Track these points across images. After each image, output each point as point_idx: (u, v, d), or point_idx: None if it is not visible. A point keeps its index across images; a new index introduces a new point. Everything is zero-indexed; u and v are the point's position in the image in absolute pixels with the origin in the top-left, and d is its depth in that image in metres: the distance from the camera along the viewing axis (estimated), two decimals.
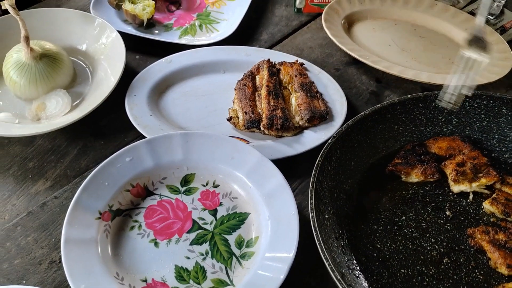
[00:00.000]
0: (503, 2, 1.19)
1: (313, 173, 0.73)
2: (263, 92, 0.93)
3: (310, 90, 0.94)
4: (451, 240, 0.74)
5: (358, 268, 0.70)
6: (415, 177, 0.81)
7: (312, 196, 0.70)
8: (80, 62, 1.04)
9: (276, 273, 0.67)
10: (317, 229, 0.66)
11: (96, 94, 0.94)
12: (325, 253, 0.63)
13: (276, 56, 1.03)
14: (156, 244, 0.75)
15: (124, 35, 1.03)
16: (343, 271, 0.66)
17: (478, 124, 0.88)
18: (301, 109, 0.90)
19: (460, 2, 1.21)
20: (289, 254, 0.68)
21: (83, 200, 0.74)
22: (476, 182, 0.80)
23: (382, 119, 0.85)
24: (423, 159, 0.82)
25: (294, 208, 0.73)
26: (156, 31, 1.13)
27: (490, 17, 1.16)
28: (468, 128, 0.88)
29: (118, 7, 1.14)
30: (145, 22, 1.11)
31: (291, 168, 0.84)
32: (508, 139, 0.86)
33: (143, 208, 0.79)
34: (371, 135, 0.85)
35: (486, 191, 0.79)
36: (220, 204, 0.80)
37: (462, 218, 0.77)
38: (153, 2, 1.13)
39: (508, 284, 0.66)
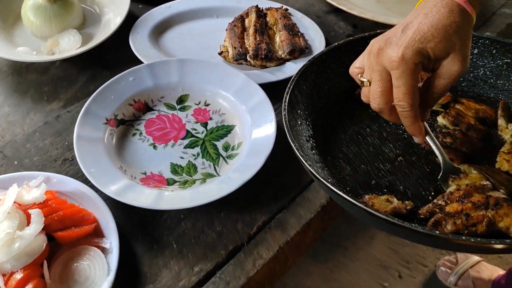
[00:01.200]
0: None
1: (288, 85, 0.85)
2: (251, 30, 1.05)
3: (292, 29, 1.06)
4: (407, 145, 0.86)
5: (323, 164, 0.82)
6: None
7: (285, 101, 0.81)
8: (90, 8, 1.17)
9: (257, 162, 0.79)
10: (287, 122, 0.77)
11: (104, 33, 1.07)
12: (295, 142, 0.75)
13: (264, 3, 1.15)
14: (154, 147, 0.87)
15: None
16: (311, 163, 0.79)
17: None
18: (283, 44, 1.02)
19: None
20: (267, 148, 0.81)
21: (92, 108, 0.87)
22: None
23: (354, 50, 0.96)
24: None
25: (272, 116, 0.86)
26: None
27: None
28: None
29: None
30: None
31: (274, 93, 0.96)
32: None
33: (143, 120, 0.91)
34: (345, 64, 0.96)
35: (442, 110, 0.91)
36: (210, 119, 0.92)
37: None
38: None
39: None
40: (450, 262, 1.81)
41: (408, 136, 0.87)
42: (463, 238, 0.61)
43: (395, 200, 0.74)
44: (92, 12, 1.16)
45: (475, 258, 1.78)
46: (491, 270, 1.74)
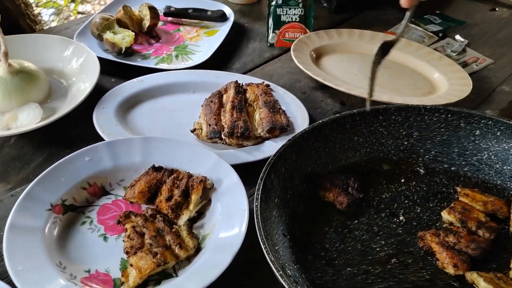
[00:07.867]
0: (466, 42, 1.26)
1: (263, 169, 0.74)
2: (228, 106, 0.96)
3: (273, 107, 0.97)
4: (401, 242, 0.73)
5: (301, 266, 0.68)
6: (326, 197, 0.80)
7: (259, 188, 0.70)
8: (56, 81, 1.09)
9: (223, 259, 0.66)
10: (259, 217, 0.65)
11: (66, 107, 0.97)
12: (266, 244, 0.62)
13: (245, 79, 1.07)
14: (105, 238, 0.74)
15: (102, 61, 1.08)
16: (286, 264, 0.65)
17: (438, 138, 0.88)
18: (263, 122, 0.93)
19: (425, 41, 1.28)
20: (236, 243, 0.68)
21: (36, 192, 0.75)
22: None
23: (341, 129, 0.87)
24: (350, 191, 0.80)
25: (245, 204, 0.73)
26: (135, 59, 1.18)
27: (453, 53, 1.22)
28: (429, 142, 0.88)
29: (100, 37, 1.20)
30: (123, 49, 1.16)
31: (250, 175, 0.84)
32: (467, 152, 0.87)
33: (97, 206, 0.79)
34: (330, 144, 0.86)
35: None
36: None
37: (415, 223, 0.76)
38: (133, 34, 1.20)
39: None
40: None
41: (402, 231, 0.75)
42: None
43: None
44: (58, 85, 1.08)
45: None
46: None
